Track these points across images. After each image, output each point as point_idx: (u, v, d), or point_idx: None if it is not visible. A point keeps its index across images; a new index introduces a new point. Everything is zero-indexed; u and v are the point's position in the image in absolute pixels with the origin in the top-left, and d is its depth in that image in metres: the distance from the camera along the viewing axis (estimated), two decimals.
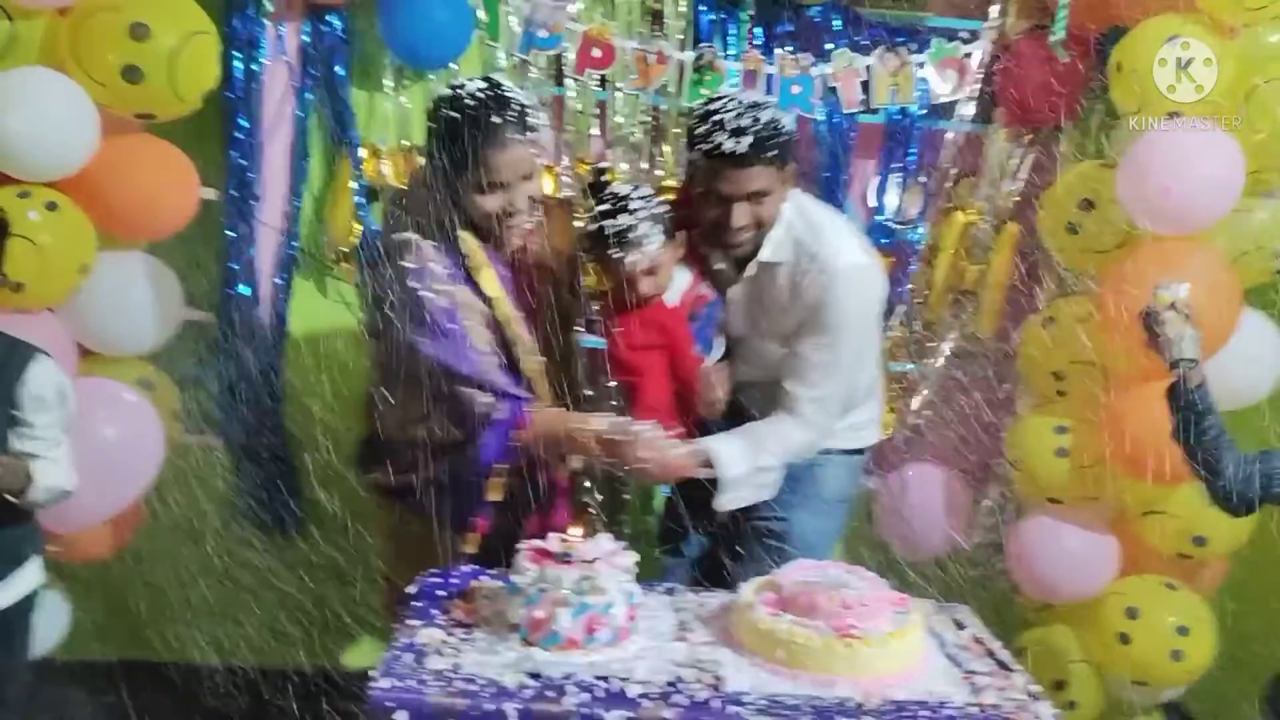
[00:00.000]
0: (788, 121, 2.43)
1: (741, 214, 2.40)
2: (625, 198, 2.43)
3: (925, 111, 3.33)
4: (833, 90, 3.28)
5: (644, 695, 1.76)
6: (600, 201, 2.47)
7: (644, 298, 2.46)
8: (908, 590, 2.11)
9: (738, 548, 2.62)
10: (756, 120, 2.34)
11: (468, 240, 2.32)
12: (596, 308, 3.15)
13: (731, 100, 2.38)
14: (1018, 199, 3.35)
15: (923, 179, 3.39)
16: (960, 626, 2.18)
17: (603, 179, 2.60)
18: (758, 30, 3.28)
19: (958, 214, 3.37)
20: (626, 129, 3.28)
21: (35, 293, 2.74)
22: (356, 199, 3.29)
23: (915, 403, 3.44)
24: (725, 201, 2.40)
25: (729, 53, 3.27)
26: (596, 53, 3.21)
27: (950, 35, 3.30)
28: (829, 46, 3.28)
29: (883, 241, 3.35)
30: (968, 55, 3.28)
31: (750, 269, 2.53)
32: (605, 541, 1.96)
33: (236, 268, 3.27)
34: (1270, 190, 2.96)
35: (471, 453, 2.29)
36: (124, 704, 3.04)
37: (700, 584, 2.73)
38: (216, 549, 3.33)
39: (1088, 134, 3.24)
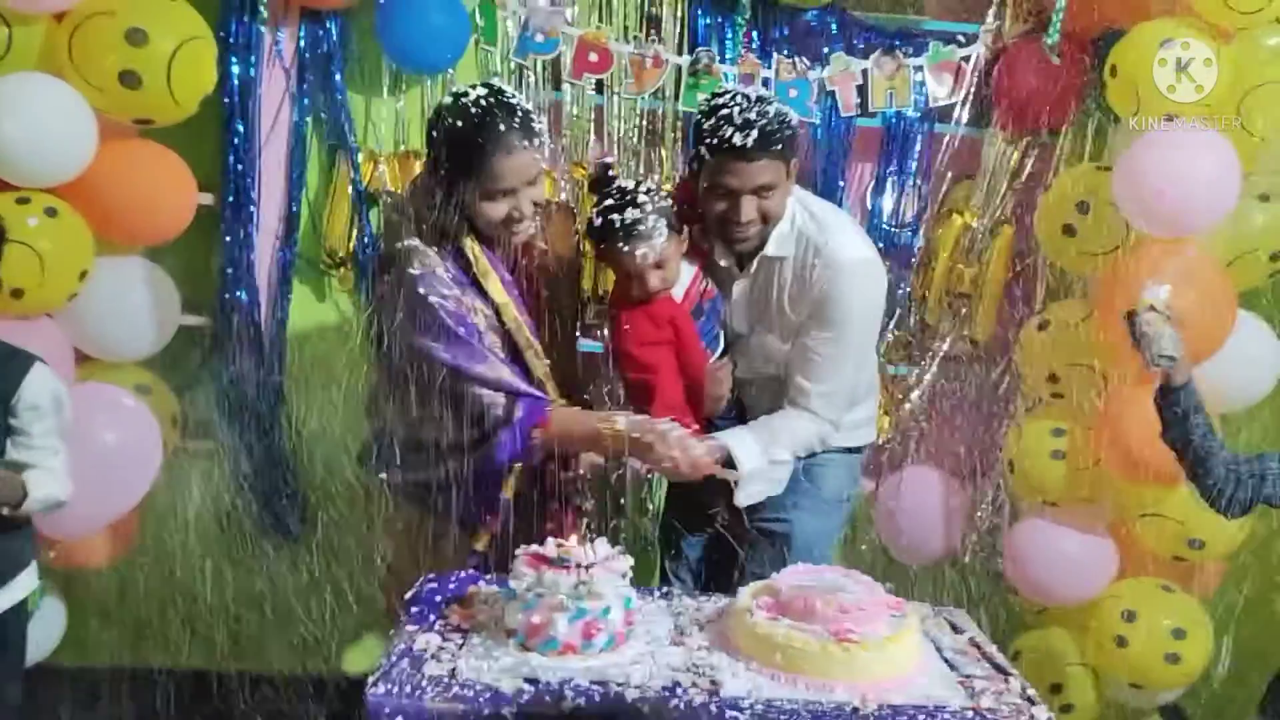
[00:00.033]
0: (793, 116, 2.44)
1: (749, 208, 2.40)
2: (632, 191, 2.43)
3: (922, 115, 3.34)
4: (830, 94, 3.29)
5: (641, 700, 1.76)
6: (606, 196, 2.46)
7: (653, 292, 2.46)
8: (904, 594, 2.11)
9: (738, 549, 2.62)
10: (763, 114, 2.34)
11: (472, 246, 2.33)
12: (595, 311, 3.18)
13: (738, 95, 2.38)
14: (1014, 202, 3.35)
15: (919, 182, 3.39)
16: (957, 630, 2.18)
17: (609, 174, 2.58)
18: (754, 34, 3.29)
19: (955, 217, 3.38)
20: (623, 133, 3.29)
21: (34, 299, 2.75)
22: (354, 203, 3.29)
23: (912, 405, 3.44)
24: (732, 195, 2.40)
25: (725, 57, 3.27)
26: (593, 57, 3.21)
27: (947, 39, 3.30)
28: (826, 50, 3.28)
29: (880, 245, 3.34)
30: (965, 59, 3.29)
31: (754, 264, 2.53)
32: (602, 546, 1.97)
33: (234, 272, 3.27)
34: (1266, 193, 2.96)
35: (488, 451, 2.31)
36: (121, 710, 3.05)
37: (700, 586, 2.75)
38: (215, 554, 3.33)
39: (1084, 137, 3.25)
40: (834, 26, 3.30)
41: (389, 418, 2.40)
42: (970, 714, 1.80)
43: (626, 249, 2.41)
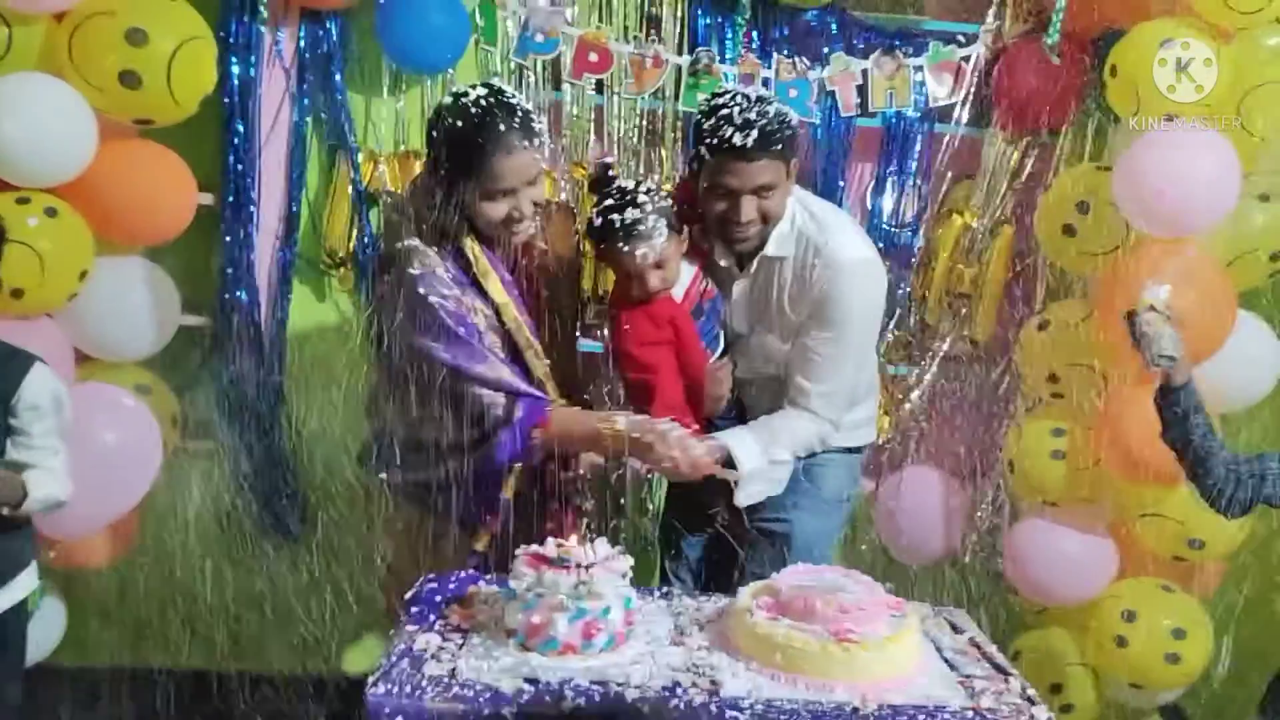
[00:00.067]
0: (793, 116, 2.44)
1: (749, 208, 2.40)
2: (632, 191, 2.43)
3: (922, 115, 3.34)
4: (830, 94, 3.29)
5: (641, 700, 1.76)
6: (606, 196, 2.46)
7: (653, 292, 2.46)
8: (904, 594, 2.11)
9: (738, 549, 2.63)
10: (763, 114, 2.34)
11: (472, 246, 2.33)
12: (595, 311, 3.18)
13: (738, 95, 2.38)
14: (1014, 202, 3.35)
15: (919, 182, 3.39)
16: (957, 630, 2.18)
17: (609, 174, 2.58)
18: (754, 34, 3.29)
19: (955, 217, 3.38)
20: (623, 133, 3.29)
21: (34, 299, 2.75)
22: (354, 203, 3.29)
23: (912, 405, 3.44)
24: (732, 195, 2.40)
25: (725, 57, 3.27)
26: (593, 57, 3.21)
27: (947, 39, 3.30)
28: (825, 50, 3.28)
29: (880, 245, 3.34)
30: (965, 59, 3.29)
31: (754, 264, 2.53)
32: (602, 546, 1.97)
33: (234, 272, 3.27)
34: (1266, 193, 2.96)
35: (489, 451, 2.31)
36: (121, 710, 3.05)
37: (700, 586, 2.75)
38: (215, 554, 3.34)
39: (1084, 137, 3.25)
40: (834, 26, 3.30)
41: (389, 418, 2.40)
42: (970, 714, 1.80)
43: (626, 249, 2.41)
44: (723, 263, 2.57)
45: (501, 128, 2.23)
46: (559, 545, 1.95)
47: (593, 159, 3.27)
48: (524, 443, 2.32)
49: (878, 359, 3.09)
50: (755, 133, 2.32)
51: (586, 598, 1.87)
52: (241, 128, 3.21)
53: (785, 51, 3.27)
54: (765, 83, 3.22)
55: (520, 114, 2.27)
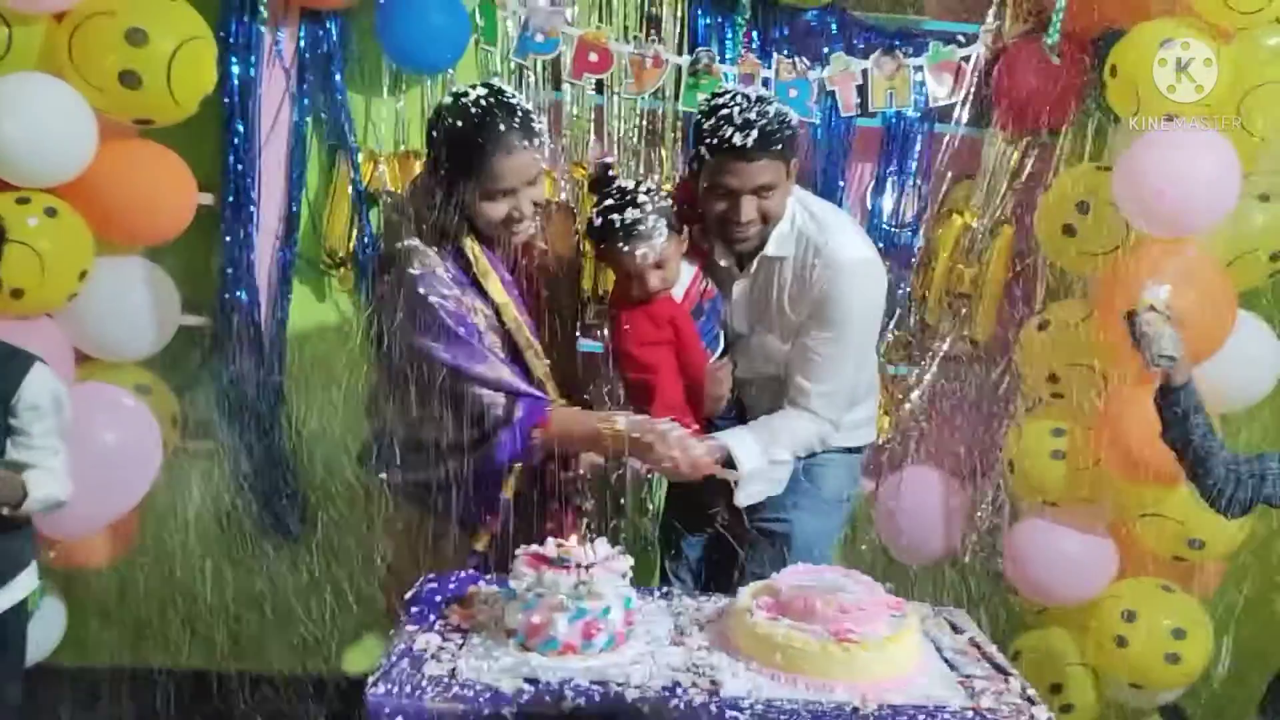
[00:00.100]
0: (793, 116, 2.44)
1: (749, 208, 2.40)
2: (632, 191, 2.43)
3: (922, 115, 3.34)
4: (830, 94, 3.29)
5: (641, 700, 1.76)
6: (606, 196, 2.46)
7: (653, 292, 2.46)
8: (904, 594, 2.11)
9: (739, 550, 2.63)
10: (764, 114, 2.34)
11: (472, 246, 2.33)
12: (595, 311, 3.18)
13: (738, 95, 2.38)
14: (1014, 202, 3.35)
15: (919, 182, 3.39)
16: (957, 630, 2.18)
17: (609, 174, 2.57)
18: (754, 34, 3.29)
19: (955, 217, 3.38)
20: (623, 133, 3.29)
21: (34, 299, 2.75)
22: (354, 203, 3.29)
23: (912, 405, 3.44)
24: (733, 195, 2.40)
25: (725, 57, 3.27)
26: (593, 57, 3.21)
27: (947, 39, 3.30)
28: (826, 50, 3.28)
29: (880, 245, 3.34)
30: (964, 59, 3.29)
31: (754, 264, 2.53)
32: (602, 546, 1.97)
33: (234, 272, 3.27)
34: (1266, 193, 2.96)
35: (489, 451, 2.31)
36: (121, 710, 3.05)
37: (701, 586, 2.75)
38: (215, 554, 3.34)
39: (1084, 137, 3.25)
40: (834, 26, 3.30)
41: (389, 418, 2.40)
42: (970, 714, 1.80)
43: (627, 249, 2.41)
44: (722, 263, 2.57)
45: (502, 128, 2.23)
46: (559, 545, 1.95)
47: (592, 159, 3.27)
48: (524, 442, 2.32)
49: (878, 359, 3.09)
50: (755, 133, 2.32)
51: (586, 598, 1.87)
52: (241, 128, 3.21)
53: (785, 51, 3.27)
54: (765, 83, 3.22)
55: (520, 114, 2.27)
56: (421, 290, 2.24)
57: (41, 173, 2.73)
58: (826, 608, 1.90)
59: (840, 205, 3.29)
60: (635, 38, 3.26)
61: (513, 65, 3.22)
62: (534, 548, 1.97)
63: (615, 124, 3.29)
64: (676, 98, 3.26)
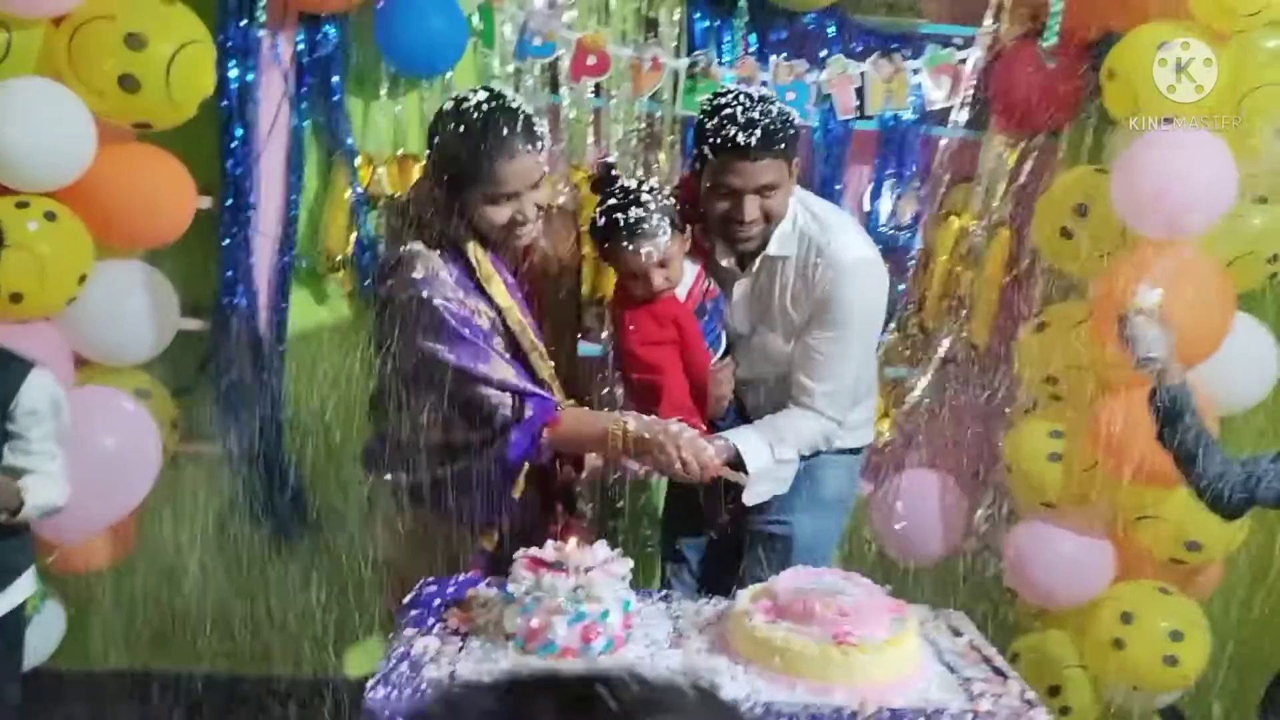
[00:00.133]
0: (796, 115, 2.44)
1: (752, 207, 2.40)
2: (636, 190, 2.43)
3: (919, 118, 3.34)
4: (827, 97, 3.29)
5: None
6: (609, 195, 2.46)
7: (657, 291, 2.46)
8: (903, 596, 2.11)
9: (739, 551, 2.63)
10: (766, 113, 2.34)
11: (475, 250, 2.34)
12: (594, 314, 3.18)
13: (741, 94, 2.38)
14: (1012, 205, 3.35)
15: (917, 185, 3.40)
16: (956, 633, 2.18)
17: (612, 173, 2.57)
18: (752, 37, 3.28)
19: (952, 220, 3.38)
20: (621, 136, 3.29)
21: (33, 303, 2.75)
22: (352, 207, 3.30)
23: (910, 408, 3.45)
24: (735, 195, 2.40)
25: (723, 60, 3.27)
26: (591, 60, 3.21)
27: (945, 41, 3.30)
28: (823, 53, 3.28)
29: (878, 247, 3.34)
30: (962, 61, 3.29)
31: (756, 264, 2.53)
32: (600, 549, 1.97)
33: (233, 276, 3.26)
34: (1264, 195, 2.97)
35: (499, 451, 2.32)
36: (120, 714, 3.05)
37: (701, 589, 2.75)
38: (214, 557, 3.33)
39: (1082, 139, 3.25)
40: (831, 30, 3.30)
41: (392, 419, 2.40)
42: (969, 717, 1.81)
43: (631, 248, 2.40)
44: (724, 263, 2.57)
45: (504, 132, 2.24)
46: (557, 548, 1.95)
47: (592, 162, 3.27)
48: (534, 442, 2.32)
49: (876, 361, 3.09)
50: (758, 132, 2.32)
51: (585, 601, 1.87)
52: (240, 131, 3.20)
53: (783, 54, 3.27)
54: (763, 85, 3.22)
55: (522, 118, 2.27)
56: (426, 294, 2.25)
57: (40, 177, 2.73)
58: (825, 610, 1.90)
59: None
60: (634, 41, 3.26)
61: (511, 69, 3.22)
62: (532, 551, 1.97)
63: (613, 127, 3.29)
64: (675, 101, 3.26)
